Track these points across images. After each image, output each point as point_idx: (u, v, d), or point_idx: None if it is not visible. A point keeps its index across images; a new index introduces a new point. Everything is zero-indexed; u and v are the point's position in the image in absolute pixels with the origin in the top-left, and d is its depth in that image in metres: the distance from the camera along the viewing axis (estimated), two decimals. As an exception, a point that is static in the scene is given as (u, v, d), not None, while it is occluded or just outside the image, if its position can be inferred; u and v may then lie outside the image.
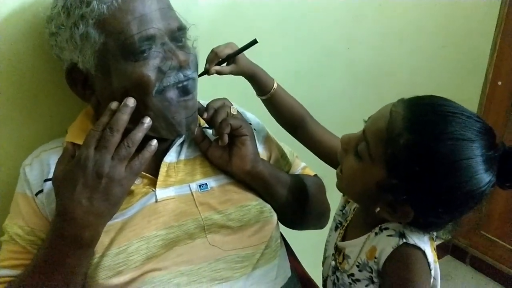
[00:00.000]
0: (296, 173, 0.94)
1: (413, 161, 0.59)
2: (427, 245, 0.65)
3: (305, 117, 0.89)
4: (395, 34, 1.34)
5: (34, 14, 0.77)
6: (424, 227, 0.65)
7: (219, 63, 0.82)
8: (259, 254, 0.78)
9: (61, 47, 0.71)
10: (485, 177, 0.59)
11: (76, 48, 0.68)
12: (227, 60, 0.83)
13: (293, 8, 1.10)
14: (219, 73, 0.82)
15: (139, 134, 0.66)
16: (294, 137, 0.90)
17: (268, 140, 0.91)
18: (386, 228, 0.67)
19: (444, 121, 0.59)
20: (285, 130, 0.92)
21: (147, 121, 0.68)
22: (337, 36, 1.22)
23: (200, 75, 0.78)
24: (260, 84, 0.87)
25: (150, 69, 0.68)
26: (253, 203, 0.80)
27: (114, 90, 0.69)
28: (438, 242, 2.03)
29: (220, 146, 0.78)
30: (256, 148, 0.81)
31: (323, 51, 1.21)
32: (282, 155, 0.92)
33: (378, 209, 0.65)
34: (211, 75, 0.82)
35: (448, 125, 0.59)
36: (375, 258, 0.67)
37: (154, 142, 0.68)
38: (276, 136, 0.95)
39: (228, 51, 0.82)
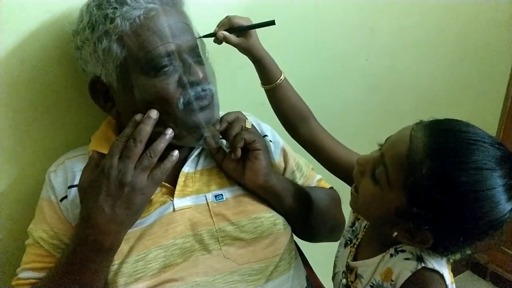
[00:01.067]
0: (311, 186, 0.95)
1: (435, 190, 0.58)
2: (445, 267, 0.64)
3: (309, 117, 0.87)
4: (412, 46, 1.34)
5: (61, 27, 0.80)
6: (442, 252, 0.64)
7: (230, 31, 0.80)
8: (272, 266, 0.79)
9: (86, 60, 0.74)
10: (507, 206, 0.59)
11: (99, 62, 0.72)
12: (239, 31, 0.80)
13: (311, 17, 1.12)
14: (226, 39, 0.80)
15: (161, 145, 0.69)
16: (294, 138, 0.88)
17: (284, 152, 0.92)
18: (403, 251, 0.67)
19: (467, 149, 0.58)
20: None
21: (169, 132, 0.70)
22: (353, 47, 1.23)
23: (205, 36, 0.79)
24: (266, 71, 0.85)
25: (170, 84, 0.71)
26: (267, 215, 0.81)
27: (134, 103, 0.72)
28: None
29: (234, 158, 0.80)
30: (270, 162, 0.83)
31: (340, 61, 1.22)
32: (298, 166, 0.94)
33: (395, 233, 0.64)
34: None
35: (470, 154, 0.58)
36: (392, 281, 0.66)
37: (176, 153, 0.71)
38: (292, 147, 0.96)
39: (243, 22, 0.80)
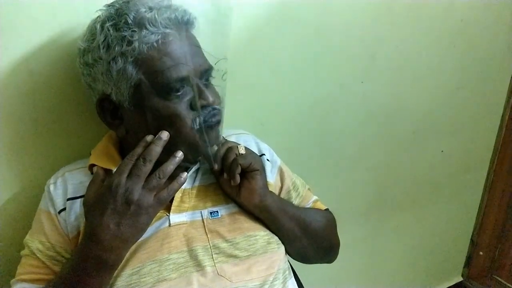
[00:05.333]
0: (307, 206, 0.96)
1: None
2: None
3: None
4: (411, 74, 1.37)
5: (71, 42, 0.83)
6: None
7: None
8: (267, 285, 0.79)
9: (95, 78, 0.75)
10: None
11: (111, 81, 0.73)
12: None
13: (311, 43, 1.14)
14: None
15: (170, 166, 0.70)
16: None
17: (281, 171, 0.94)
18: None
19: None
20: (298, 160, 0.92)
21: (179, 155, 0.71)
22: (353, 73, 1.25)
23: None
24: None
25: (182, 107, 0.73)
26: (261, 233, 0.82)
27: (145, 123, 0.74)
28: (450, 283, 2.00)
29: (233, 185, 0.81)
30: (266, 182, 0.84)
31: (338, 87, 1.25)
32: (294, 186, 0.95)
33: None
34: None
35: None
36: None
37: (185, 175, 0.72)
38: (289, 166, 0.98)
39: None
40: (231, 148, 0.81)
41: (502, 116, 1.70)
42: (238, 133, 0.95)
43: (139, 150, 0.70)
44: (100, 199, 0.68)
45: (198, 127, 0.74)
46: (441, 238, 1.76)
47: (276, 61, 1.11)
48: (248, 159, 0.80)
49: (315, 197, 0.99)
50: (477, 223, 1.88)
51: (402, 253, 1.63)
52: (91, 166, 0.82)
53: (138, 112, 0.74)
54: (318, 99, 1.22)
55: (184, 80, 0.72)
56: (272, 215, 0.83)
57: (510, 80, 1.64)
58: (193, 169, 0.84)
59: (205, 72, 0.76)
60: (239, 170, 0.79)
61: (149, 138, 0.71)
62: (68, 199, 0.79)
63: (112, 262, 0.69)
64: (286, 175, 0.94)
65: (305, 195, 0.96)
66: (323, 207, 0.98)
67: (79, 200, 0.79)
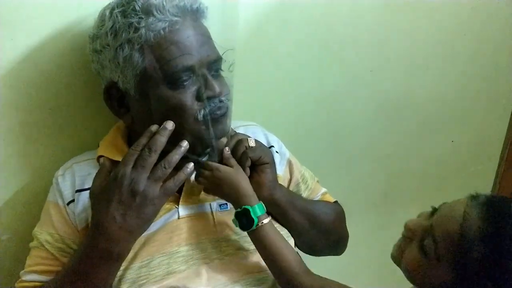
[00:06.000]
0: (315, 199, 0.95)
1: (486, 275, 0.57)
2: None
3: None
4: (419, 63, 1.34)
5: (75, 34, 0.82)
6: None
7: None
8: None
9: (103, 65, 0.75)
10: None
11: (118, 68, 0.72)
12: None
13: (316, 32, 1.13)
14: None
15: (176, 156, 0.69)
16: None
17: (289, 163, 0.93)
18: None
19: None
20: (306, 152, 0.90)
21: (185, 144, 0.70)
22: (360, 62, 1.23)
23: None
24: None
25: (188, 97, 0.72)
26: None
27: (150, 112, 0.73)
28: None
29: None
30: (275, 175, 0.83)
31: (345, 76, 1.23)
32: (303, 179, 0.94)
33: None
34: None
35: None
36: None
37: (191, 165, 0.71)
38: (297, 158, 0.97)
39: None
40: (241, 140, 0.80)
41: (514, 106, 1.67)
42: (247, 124, 0.95)
43: (143, 140, 0.69)
44: (106, 190, 0.68)
45: (203, 118, 0.73)
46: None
47: (283, 52, 1.09)
48: (258, 152, 0.79)
49: (323, 190, 0.98)
50: (487, 215, 1.86)
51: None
52: (99, 157, 0.81)
53: (143, 101, 0.73)
54: (326, 90, 1.21)
55: (190, 70, 0.71)
56: (281, 209, 0.82)
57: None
58: (204, 159, 0.83)
59: (214, 63, 0.75)
60: (249, 163, 0.78)
61: (153, 128, 0.70)
62: (77, 191, 0.79)
63: (118, 253, 0.69)
64: (295, 168, 0.93)
65: (314, 188, 0.96)
66: (332, 200, 0.98)
67: (87, 191, 0.79)
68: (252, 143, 0.80)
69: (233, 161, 0.78)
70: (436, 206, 0.67)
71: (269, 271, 0.78)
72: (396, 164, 1.47)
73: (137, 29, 0.69)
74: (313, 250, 0.93)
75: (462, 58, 1.43)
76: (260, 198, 0.80)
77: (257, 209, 0.75)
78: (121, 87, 0.74)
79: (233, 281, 0.76)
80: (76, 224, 0.77)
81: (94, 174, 0.78)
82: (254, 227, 0.74)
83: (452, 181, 1.64)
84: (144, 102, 0.73)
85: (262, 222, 0.74)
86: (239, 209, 0.75)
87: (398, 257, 0.69)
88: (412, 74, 1.35)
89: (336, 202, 0.98)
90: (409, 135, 1.44)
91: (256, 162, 0.79)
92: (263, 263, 0.78)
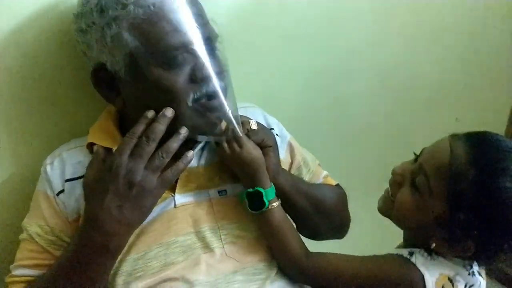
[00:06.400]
0: (317, 182, 0.91)
1: (480, 197, 0.60)
2: (433, 274, 0.64)
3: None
4: (424, 37, 1.30)
5: (62, 11, 0.77)
6: (484, 260, 0.66)
7: None
8: (275, 266, 0.76)
9: (89, 45, 0.70)
10: None
11: (105, 48, 0.68)
12: None
13: (318, 4, 1.07)
14: None
15: (174, 144, 0.66)
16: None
17: (290, 146, 0.89)
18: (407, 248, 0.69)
19: (508, 157, 0.61)
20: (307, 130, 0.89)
21: (184, 131, 0.67)
22: (363, 36, 1.19)
23: None
24: None
25: (183, 78, 0.67)
26: None
27: (143, 95, 0.69)
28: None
29: None
30: (279, 159, 0.79)
31: (348, 50, 1.18)
32: (305, 162, 0.90)
33: (433, 244, 0.65)
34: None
35: (511, 161, 0.61)
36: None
37: (191, 153, 0.68)
38: (299, 141, 0.93)
39: None
40: (243, 123, 0.76)
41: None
42: (244, 106, 0.90)
43: (140, 127, 0.66)
44: (101, 181, 0.65)
45: (198, 100, 0.69)
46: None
47: (283, 26, 1.05)
48: (260, 135, 0.75)
49: (325, 172, 0.94)
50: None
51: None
52: (90, 144, 0.77)
53: (135, 83, 0.69)
54: (327, 65, 1.16)
55: (184, 47, 0.66)
56: (285, 193, 0.79)
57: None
58: (199, 146, 0.79)
59: (208, 39, 0.70)
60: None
61: (150, 114, 0.66)
62: (67, 180, 0.75)
63: (114, 247, 0.66)
64: (296, 151, 0.89)
65: (316, 171, 0.92)
66: (334, 182, 0.94)
67: (78, 181, 0.75)
68: (254, 126, 0.76)
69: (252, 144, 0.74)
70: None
71: (269, 261, 0.76)
72: (399, 141, 1.43)
73: (124, 5, 0.64)
74: (316, 234, 0.90)
75: (468, 33, 1.39)
76: None
77: (270, 193, 0.73)
78: (110, 69, 0.69)
79: (233, 271, 0.73)
80: (67, 215, 0.74)
81: (85, 162, 0.75)
82: (264, 209, 0.73)
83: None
84: (136, 84, 0.69)
85: (273, 206, 0.73)
86: (251, 190, 0.73)
87: (386, 207, 0.72)
88: (416, 49, 1.30)
89: (338, 185, 0.95)
90: (412, 112, 1.41)
91: (259, 145, 0.75)
92: (263, 251, 0.76)
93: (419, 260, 0.65)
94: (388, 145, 1.41)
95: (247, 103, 0.92)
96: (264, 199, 0.72)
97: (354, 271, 0.69)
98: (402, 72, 1.31)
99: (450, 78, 1.42)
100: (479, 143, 0.64)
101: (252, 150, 0.73)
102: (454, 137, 0.66)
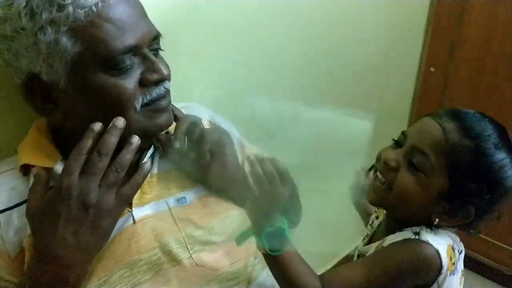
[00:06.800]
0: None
1: (478, 163, 0.66)
2: (443, 248, 0.67)
3: None
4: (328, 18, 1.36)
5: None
6: (474, 225, 0.71)
7: None
8: (250, 266, 0.75)
9: (17, 54, 0.60)
10: None
11: (39, 57, 0.59)
12: None
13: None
14: None
15: (128, 156, 0.60)
16: None
17: (240, 144, 0.87)
18: (405, 230, 0.71)
19: (491, 127, 0.69)
20: (255, 133, 0.88)
21: (135, 140, 0.61)
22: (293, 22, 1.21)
23: None
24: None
25: (132, 83, 0.62)
26: (235, 213, 0.76)
27: (88, 104, 0.62)
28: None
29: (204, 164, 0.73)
30: (236, 155, 0.77)
31: (277, 45, 1.19)
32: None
33: (436, 220, 0.69)
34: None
35: (495, 130, 0.68)
36: (382, 247, 0.71)
37: (148, 164, 0.63)
38: (247, 138, 0.91)
39: None
40: (195, 123, 0.72)
41: (420, 58, 1.78)
42: (186, 106, 0.86)
43: (87, 142, 0.58)
44: (49, 207, 0.57)
45: (147, 105, 0.64)
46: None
47: (215, 21, 1.01)
48: (215, 134, 0.73)
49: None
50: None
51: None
52: (24, 166, 0.68)
53: (77, 92, 0.62)
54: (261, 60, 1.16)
55: (132, 51, 0.61)
56: (246, 188, 0.77)
57: (425, 20, 1.71)
58: (148, 154, 0.74)
59: (154, 40, 0.66)
60: (208, 147, 0.71)
61: (97, 127, 0.59)
62: (1, 211, 0.65)
63: (75, 279, 0.59)
64: (247, 148, 0.88)
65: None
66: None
67: (15, 210, 0.65)
68: (207, 125, 0.73)
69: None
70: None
71: (243, 261, 0.74)
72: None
73: (62, 7, 0.56)
74: None
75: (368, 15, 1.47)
76: (225, 180, 0.75)
77: (287, 226, 0.65)
78: (45, 79, 0.61)
79: (207, 280, 0.70)
80: (8, 251, 0.64)
81: (19, 187, 0.67)
82: (285, 247, 0.65)
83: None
84: (79, 94, 0.62)
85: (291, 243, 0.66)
86: (269, 227, 0.64)
87: (380, 196, 0.73)
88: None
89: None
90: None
91: (215, 145, 0.73)
92: (234, 253, 0.73)
93: (428, 236, 0.68)
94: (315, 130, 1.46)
95: (185, 102, 0.87)
96: (287, 234, 0.65)
97: (368, 272, 0.67)
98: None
99: (356, 61, 1.49)
100: (463, 118, 0.69)
101: (280, 188, 0.64)
102: (435, 116, 0.71)
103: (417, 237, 0.68)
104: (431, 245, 0.66)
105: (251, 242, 0.74)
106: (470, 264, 1.70)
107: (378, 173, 0.73)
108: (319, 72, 1.36)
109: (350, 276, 0.68)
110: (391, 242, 0.70)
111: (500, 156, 0.67)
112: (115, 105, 0.61)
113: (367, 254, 0.75)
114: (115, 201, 0.59)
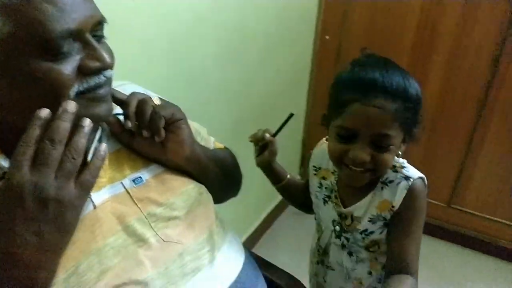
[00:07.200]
0: (211, 148, 0.92)
1: (408, 97, 0.74)
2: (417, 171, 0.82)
3: None
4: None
5: None
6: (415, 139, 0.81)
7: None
8: (214, 234, 0.77)
9: None
10: None
11: None
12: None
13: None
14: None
15: (81, 140, 0.54)
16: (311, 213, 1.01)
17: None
18: (391, 181, 0.81)
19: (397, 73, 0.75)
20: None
21: (87, 123, 0.55)
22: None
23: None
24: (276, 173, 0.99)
25: (69, 69, 0.57)
26: (191, 186, 0.78)
27: (21, 91, 0.57)
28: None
29: (159, 141, 0.72)
30: (190, 129, 0.77)
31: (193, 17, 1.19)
32: (196, 130, 0.89)
33: (400, 154, 0.81)
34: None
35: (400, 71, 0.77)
36: (392, 207, 0.80)
37: (103, 146, 0.58)
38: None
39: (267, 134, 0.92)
40: (144, 100, 0.70)
41: (316, 27, 1.91)
42: (122, 84, 0.82)
43: (35, 131, 0.52)
44: (2, 208, 0.51)
45: (86, 94, 0.60)
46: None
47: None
48: (168, 109, 0.71)
49: (213, 138, 0.96)
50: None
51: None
52: None
53: (8, 78, 0.56)
54: (177, 31, 1.14)
55: (73, 35, 0.57)
56: (201, 163, 0.78)
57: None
58: (97, 136, 0.70)
59: (98, 25, 0.61)
60: (163, 123, 0.70)
61: (43, 113, 0.53)
62: None
63: (42, 281, 0.55)
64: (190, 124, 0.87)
65: (207, 138, 0.93)
66: (222, 146, 0.97)
67: None
68: (157, 101, 0.72)
69: None
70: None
71: (208, 230, 0.76)
72: (243, 98, 1.54)
73: None
74: (223, 196, 0.93)
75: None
76: (181, 158, 0.75)
77: None
78: None
79: (179, 253, 0.71)
80: None
81: None
82: None
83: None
84: (11, 80, 0.56)
85: None
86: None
87: (365, 180, 0.79)
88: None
89: (225, 147, 0.98)
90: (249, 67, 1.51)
91: (169, 121, 0.72)
92: (197, 225, 0.75)
93: (413, 172, 0.81)
94: (235, 101, 1.50)
95: (120, 81, 0.84)
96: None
97: (416, 235, 0.80)
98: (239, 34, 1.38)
99: (253, 36, 1.53)
100: (377, 87, 0.73)
101: None
102: (361, 103, 0.73)
103: (411, 180, 0.80)
104: (421, 177, 0.80)
105: (210, 211, 0.79)
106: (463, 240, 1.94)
107: (353, 167, 0.77)
108: (218, 40, 1.37)
109: (412, 250, 0.78)
110: (399, 198, 0.80)
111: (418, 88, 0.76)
112: (49, 91, 0.57)
113: (355, 214, 0.85)
114: (76, 191, 0.54)
